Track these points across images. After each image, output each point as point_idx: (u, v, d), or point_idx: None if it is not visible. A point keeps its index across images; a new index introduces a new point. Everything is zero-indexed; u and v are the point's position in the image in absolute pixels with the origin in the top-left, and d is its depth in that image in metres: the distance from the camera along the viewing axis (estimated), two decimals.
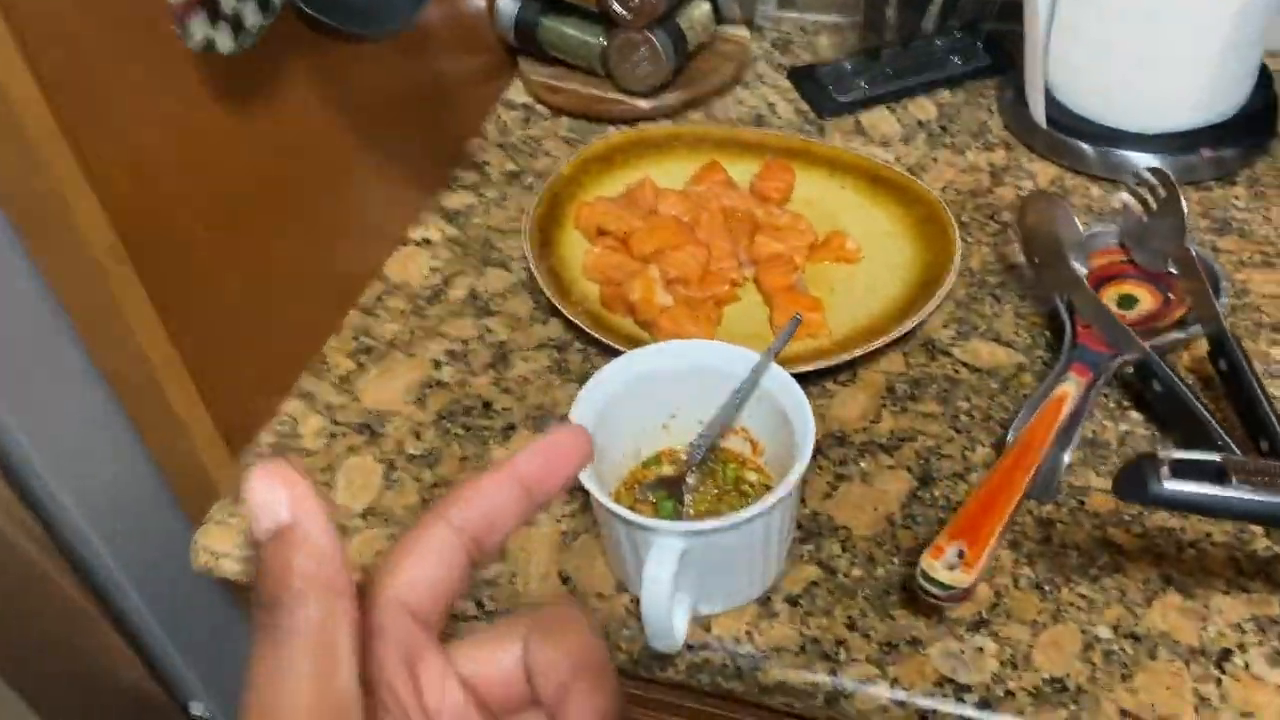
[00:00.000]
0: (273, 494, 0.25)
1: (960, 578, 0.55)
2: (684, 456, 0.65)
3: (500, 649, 0.29)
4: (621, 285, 0.76)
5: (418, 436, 0.72)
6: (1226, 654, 0.58)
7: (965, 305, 0.77)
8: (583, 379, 0.74)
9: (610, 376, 0.61)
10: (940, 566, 0.56)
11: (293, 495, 0.25)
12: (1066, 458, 0.64)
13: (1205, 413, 0.63)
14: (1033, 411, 0.65)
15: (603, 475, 0.61)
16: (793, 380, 0.60)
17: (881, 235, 0.80)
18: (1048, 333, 0.75)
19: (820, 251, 0.80)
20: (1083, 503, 0.65)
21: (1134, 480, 0.47)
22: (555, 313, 0.77)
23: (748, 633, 0.60)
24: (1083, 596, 0.60)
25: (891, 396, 0.72)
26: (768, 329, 0.75)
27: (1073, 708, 0.56)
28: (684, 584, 0.56)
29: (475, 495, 0.29)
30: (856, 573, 0.62)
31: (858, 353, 0.70)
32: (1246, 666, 0.57)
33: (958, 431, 0.69)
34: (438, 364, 0.76)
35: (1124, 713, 0.56)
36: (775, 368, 0.61)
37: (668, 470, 0.65)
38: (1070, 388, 0.66)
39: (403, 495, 0.68)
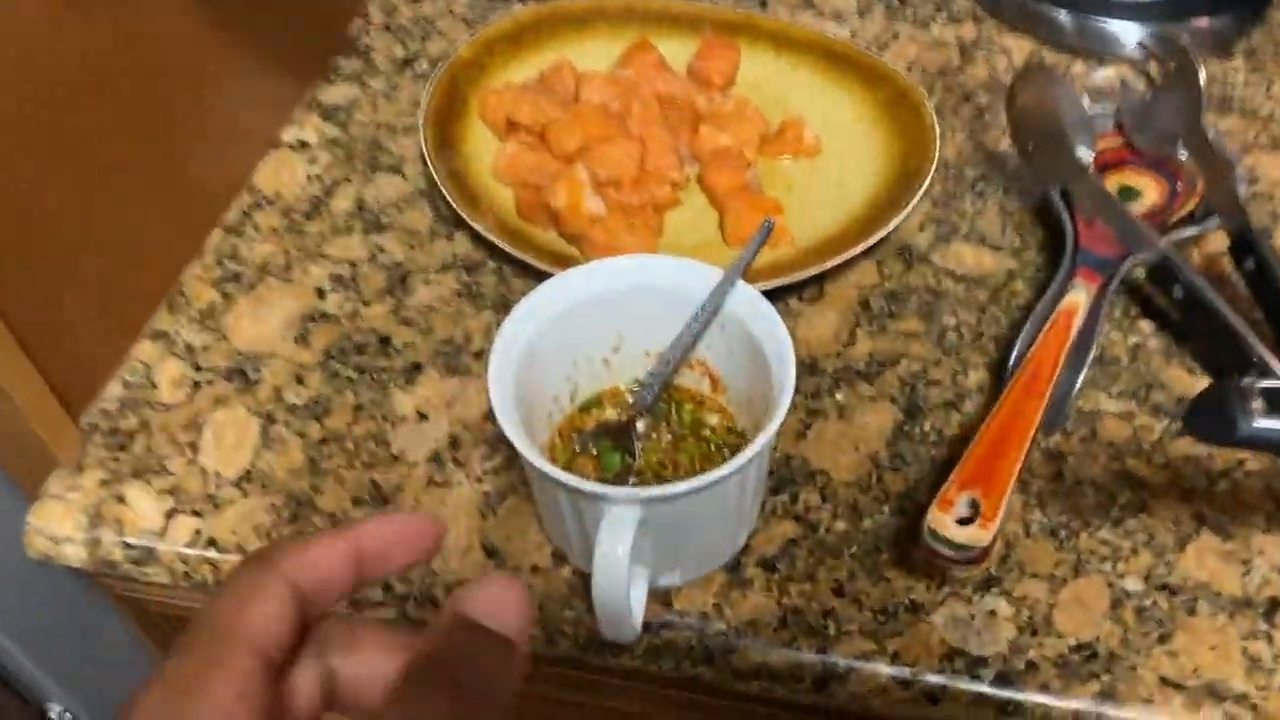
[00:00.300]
0: (522, 611, 0.25)
1: (977, 535, 0.46)
2: (630, 398, 0.54)
3: (385, 658, 0.26)
4: (542, 190, 0.63)
5: (300, 382, 0.59)
6: (1275, 605, 0.49)
7: (943, 203, 0.67)
8: (498, 305, 0.62)
9: (539, 304, 0.49)
10: (951, 523, 0.46)
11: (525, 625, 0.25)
12: (1079, 381, 0.54)
13: (1237, 320, 0.54)
14: (1038, 328, 0.55)
15: (533, 424, 0.50)
16: (766, 302, 0.48)
17: (842, 123, 0.69)
18: (1040, 231, 0.65)
19: (774, 144, 0.68)
20: (1095, 431, 0.56)
21: (1215, 416, 0.38)
22: (462, 225, 0.65)
23: (716, 606, 0.50)
24: (1105, 543, 0.51)
25: (866, 314, 0.61)
26: (718, 238, 0.63)
27: (1105, 678, 0.47)
28: (641, 557, 0.46)
29: (304, 558, 0.26)
30: (840, 526, 0.52)
31: (828, 265, 0.59)
32: None
33: (945, 353, 0.59)
34: (321, 292, 0.63)
35: (1164, 680, 0.47)
36: (743, 287, 0.49)
37: (611, 414, 0.54)
38: (1079, 298, 0.56)
39: (285, 454, 0.56)
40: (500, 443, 0.55)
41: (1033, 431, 0.50)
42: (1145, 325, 0.60)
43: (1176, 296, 0.56)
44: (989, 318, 0.61)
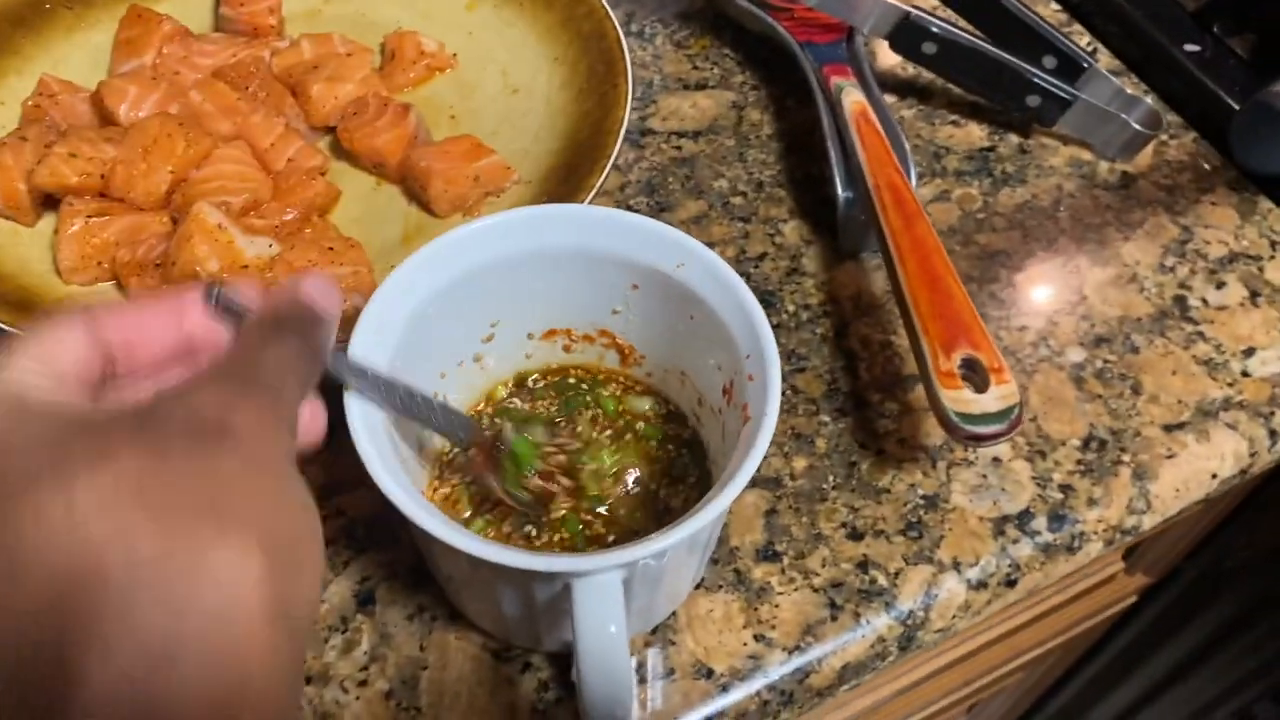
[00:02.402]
0: (336, 301, 0.29)
1: (1007, 394, 0.38)
2: (519, 400, 0.39)
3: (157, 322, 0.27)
4: (168, 264, 0.43)
5: None
6: (1180, 300, 0.48)
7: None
8: None
9: (391, 304, 0.34)
10: (971, 395, 0.38)
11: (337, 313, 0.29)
12: (913, 180, 0.48)
13: (1000, 52, 0.51)
14: (841, 148, 0.48)
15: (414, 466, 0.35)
16: (701, 247, 0.36)
17: (457, 16, 0.54)
18: (729, 49, 0.56)
19: (396, 74, 0.52)
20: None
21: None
22: None
23: (758, 637, 0.39)
24: (1023, 328, 0.47)
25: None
26: (421, 214, 0.47)
27: (1125, 457, 0.43)
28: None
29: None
30: (800, 464, 0.43)
31: (598, 185, 0.45)
32: (1205, 302, 0.48)
33: (744, 220, 0.50)
34: None
35: (1167, 428, 0.44)
36: (663, 230, 0.36)
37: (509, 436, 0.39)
38: (857, 96, 0.49)
39: None
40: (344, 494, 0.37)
41: (944, 252, 0.43)
42: (887, 97, 0.55)
43: (927, 52, 0.51)
44: (754, 162, 0.52)
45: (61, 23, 0.51)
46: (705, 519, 0.30)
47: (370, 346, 0.33)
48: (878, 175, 0.45)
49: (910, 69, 0.56)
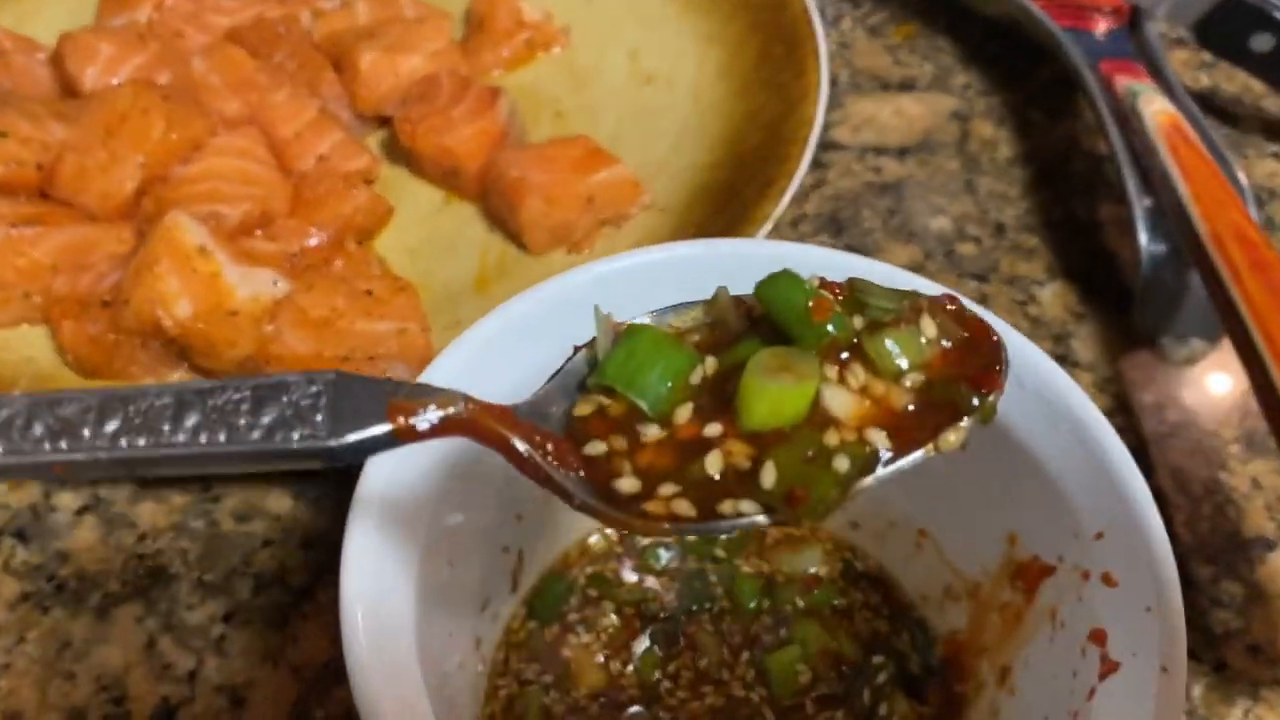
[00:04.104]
0: None
1: None
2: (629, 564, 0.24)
3: None
4: (124, 301, 0.28)
5: None
6: None
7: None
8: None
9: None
10: None
11: None
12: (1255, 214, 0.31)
13: None
14: (1145, 176, 0.32)
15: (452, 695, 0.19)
16: (1051, 364, 0.20)
17: None
18: (942, 43, 0.41)
19: (484, 49, 0.37)
20: None
21: None
22: None
23: None
24: None
25: None
26: (507, 248, 0.32)
27: None
28: None
29: None
30: None
31: (769, 222, 0.30)
32: None
33: (979, 278, 0.34)
34: None
35: None
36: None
37: (607, 607, 0.24)
38: (1161, 105, 0.33)
39: None
40: None
41: None
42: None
43: (1256, 50, 0.35)
44: (990, 195, 0.36)
45: None
46: None
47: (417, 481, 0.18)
48: (1216, 220, 0.29)
49: (1205, 74, 0.39)
